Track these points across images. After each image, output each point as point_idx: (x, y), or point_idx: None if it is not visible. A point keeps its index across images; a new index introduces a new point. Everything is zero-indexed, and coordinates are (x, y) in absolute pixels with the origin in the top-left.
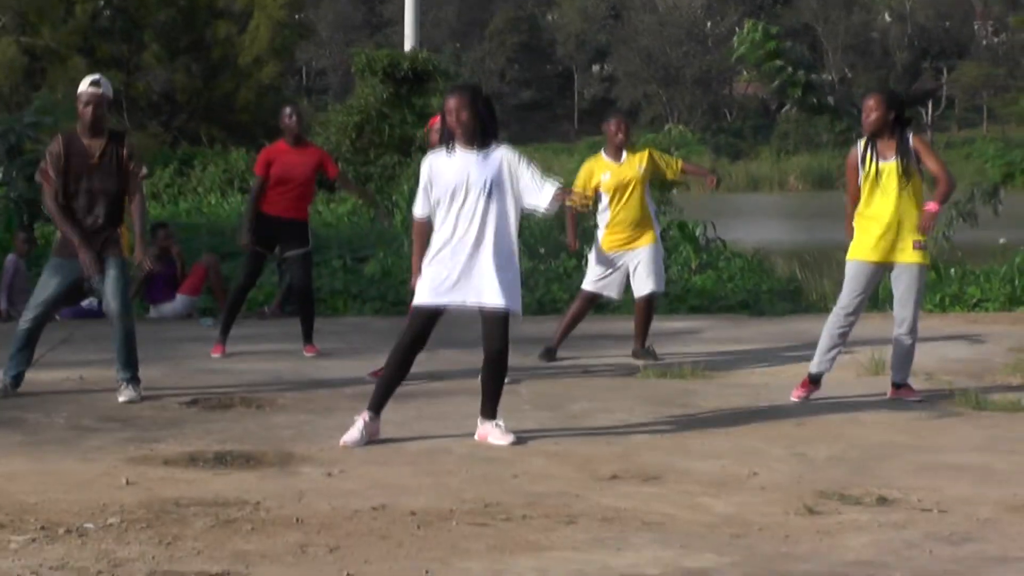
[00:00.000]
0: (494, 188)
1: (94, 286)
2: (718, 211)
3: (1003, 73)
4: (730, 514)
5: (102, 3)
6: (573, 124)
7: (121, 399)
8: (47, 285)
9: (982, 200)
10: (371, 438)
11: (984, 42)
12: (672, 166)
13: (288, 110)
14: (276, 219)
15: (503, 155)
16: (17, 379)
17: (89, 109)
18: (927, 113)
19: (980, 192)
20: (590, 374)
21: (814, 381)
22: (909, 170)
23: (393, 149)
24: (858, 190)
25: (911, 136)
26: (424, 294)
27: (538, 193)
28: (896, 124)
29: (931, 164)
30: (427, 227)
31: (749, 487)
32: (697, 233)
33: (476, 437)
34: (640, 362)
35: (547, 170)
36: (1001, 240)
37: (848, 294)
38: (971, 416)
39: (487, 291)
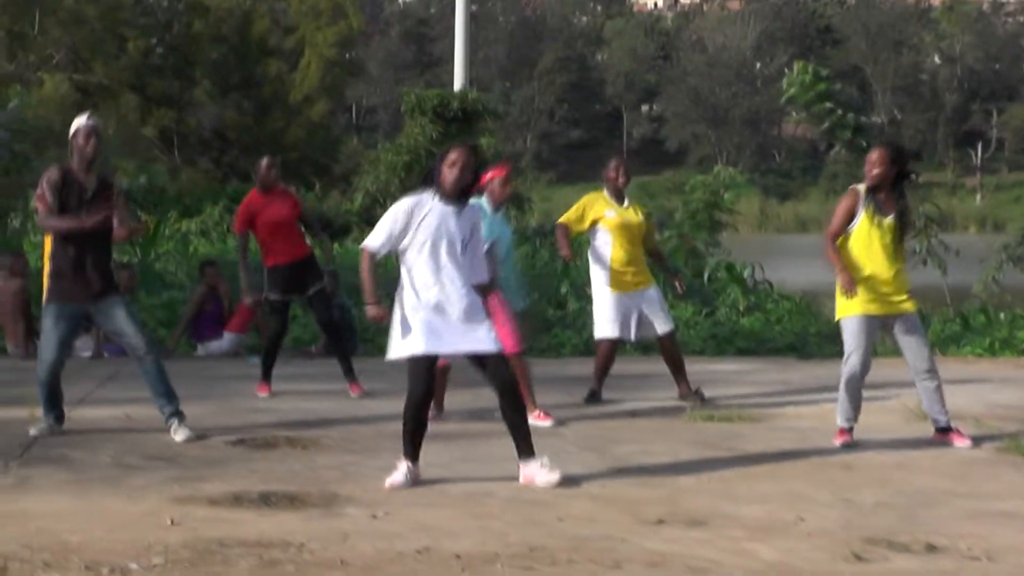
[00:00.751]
0: (468, 242)
1: (95, 325)
2: (766, 252)
3: None
4: (777, 560)
5: (154, 40)
6: None
7: (178, 438)
8: (52, 333)
9: None
10: (415, 481)
11: None
12: (653, 240)
13: (267, 161)
14: (288, 267)
15: (475, 214)
16: (59, 418)
17: (92, 141)
18: (977, 155)
19: None
20: (636, 416)
21: (849, 431)
22: (908, 226)
23: None
24: (842, 230)
25: (907, 196)
26: (419, 343)
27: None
28: (896, 179)
29: (910, 229)
30: (376, 262)
31: (796, 533)
32: (745, 275)
33: (521, 480)
34: (687, 404)
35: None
36: None
37: (853, 352)
38: (1020, 463)
39: (478, 339)
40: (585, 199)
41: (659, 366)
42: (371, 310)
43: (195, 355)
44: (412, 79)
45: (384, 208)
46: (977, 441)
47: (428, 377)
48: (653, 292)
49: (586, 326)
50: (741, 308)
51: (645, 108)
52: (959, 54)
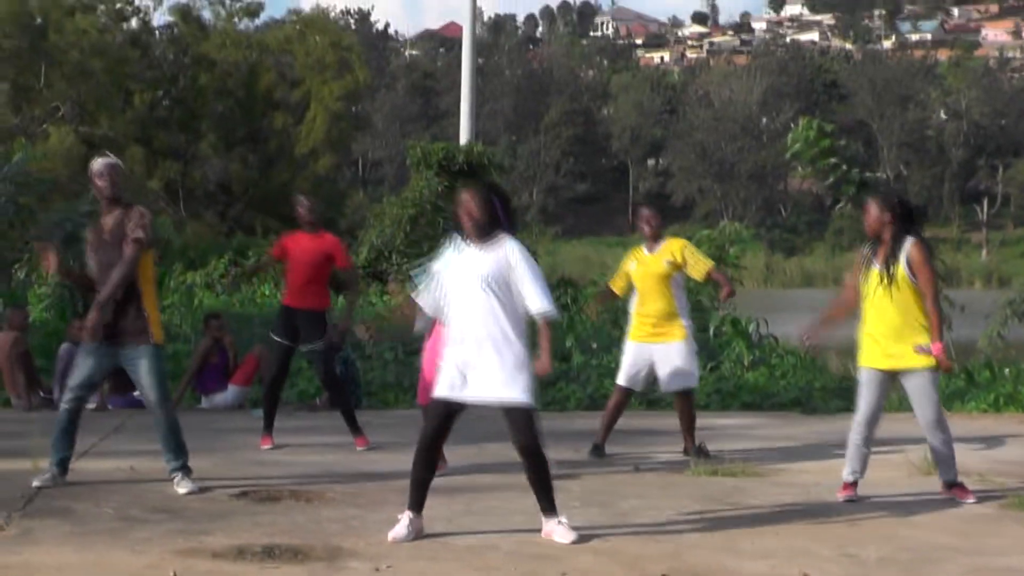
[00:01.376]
0: (492, 283)
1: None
2: (772, 306)
3: None
4: None
5: (160, 94)
6: (628, 217)
7: (181, 491)
8: (83, 367)
9: None
10: (418, 534)
11: None
12: (699, 267)
13: (302, 199)
14: (293, 310)
15: (506, 250)
16: (63, 465)
17: (105, 177)
18: (983, 211)
19: None
20: (640, 470)
21: (852, 485)
22: (893, 277)
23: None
24: (854, 289)
25: (909, 243)
26: (441, 388)
27: (529, 302)
28: (893, 228)
29: (921, 280)
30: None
31: None
32: (749, 329)
33: (542, 534)
34: (692, 459)
35: (601, 265)
36: None
37: (862, 402)
38: None
39: (499, 386)
40: (626, 257)
41: (663, 421)
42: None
43: (200, 407)
44: (418, 132)
45: (389, 262)
46: (981, 497)
47: (439, 420)
48: (676, 348)
49: (591, 380)
50: (746, 363)
51: (651, 162)
52: (965, 109)
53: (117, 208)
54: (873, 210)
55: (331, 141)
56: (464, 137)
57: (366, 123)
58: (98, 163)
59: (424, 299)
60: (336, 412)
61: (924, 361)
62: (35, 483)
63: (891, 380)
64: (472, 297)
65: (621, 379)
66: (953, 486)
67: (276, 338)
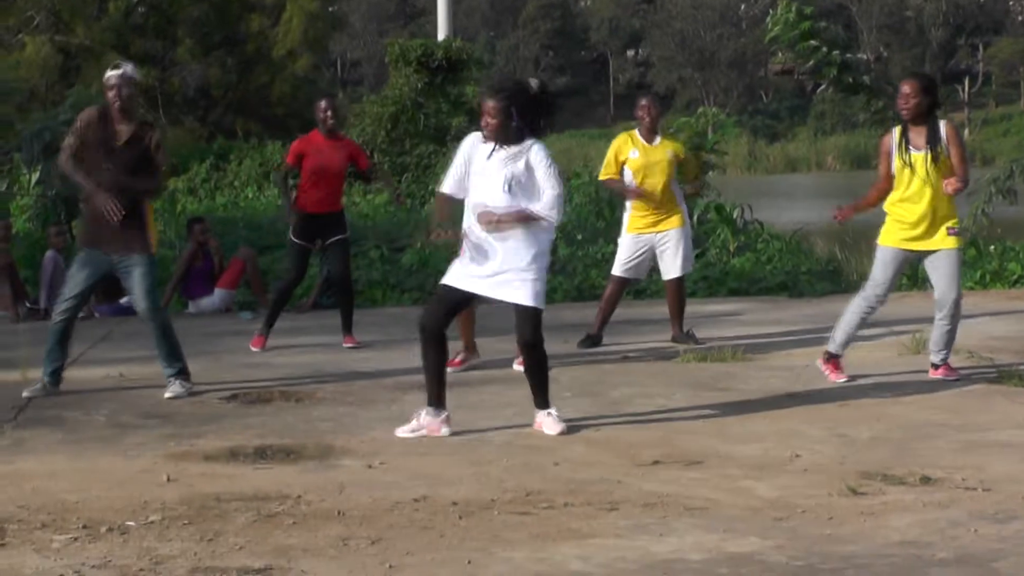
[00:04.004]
0: (515, 185)
1: (120, 280)
2: (756, 192)
3: None
4: (773, 497)
5: (135, 0)
6: (609, 109)
7: (167, 395)
8: (76, 277)
9: (1021, 176)
10: (431, 434)
11: (1020, 17)
12: (692, 171)
13: (324, 103)
14: (316, 216)
15: (531, 153)
16: (55, 376)
17: (116, 91)
18: (964, 90)
19: (1019, 168)
20: (630, 360)
21: (839, 361)
22: (939, 158)
23: (428, 139)
24: (889, 175)
25: (942, 123)
26: (454, 276)
27: (539, 204)
28: (929, 110)
29: (955, 156)
30: (449, 200)
31: (791, 470)
32: (734, 215)
33: (534, 426)
34: (680, 346)
35: (584, 157)
36: None
37: (877, 279)
38: (1014, 393)
39: (512, 289)
40: (614, 144)
41: (652, 310)
42: (431, 235)
43: (187, 312)
44: (396, 31)
45: (371, 160)
46: (971, 374)
47: (442, 306)
48: (674, 234)
49: (577, 271)
50: (731, 249)
51: (631, 53)
52: None
53: (131, 120)
54: (917, 95)
55: (308, 42)
56: (442, 33)
57: (343, 23)
58: (114, 72)
59: (448, 184)
60: (323, 312)
61: (956, 242)
62: (25, 394)
63: (910, 262)
64: (494, 197)
65: (617, 270)
66: (941, 365)
67: (298, 241)
